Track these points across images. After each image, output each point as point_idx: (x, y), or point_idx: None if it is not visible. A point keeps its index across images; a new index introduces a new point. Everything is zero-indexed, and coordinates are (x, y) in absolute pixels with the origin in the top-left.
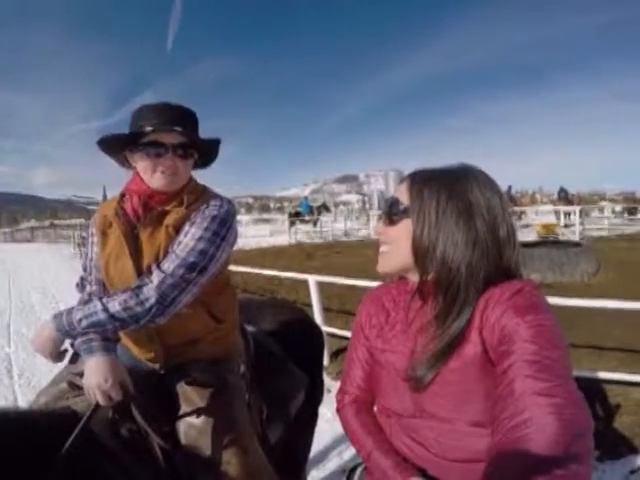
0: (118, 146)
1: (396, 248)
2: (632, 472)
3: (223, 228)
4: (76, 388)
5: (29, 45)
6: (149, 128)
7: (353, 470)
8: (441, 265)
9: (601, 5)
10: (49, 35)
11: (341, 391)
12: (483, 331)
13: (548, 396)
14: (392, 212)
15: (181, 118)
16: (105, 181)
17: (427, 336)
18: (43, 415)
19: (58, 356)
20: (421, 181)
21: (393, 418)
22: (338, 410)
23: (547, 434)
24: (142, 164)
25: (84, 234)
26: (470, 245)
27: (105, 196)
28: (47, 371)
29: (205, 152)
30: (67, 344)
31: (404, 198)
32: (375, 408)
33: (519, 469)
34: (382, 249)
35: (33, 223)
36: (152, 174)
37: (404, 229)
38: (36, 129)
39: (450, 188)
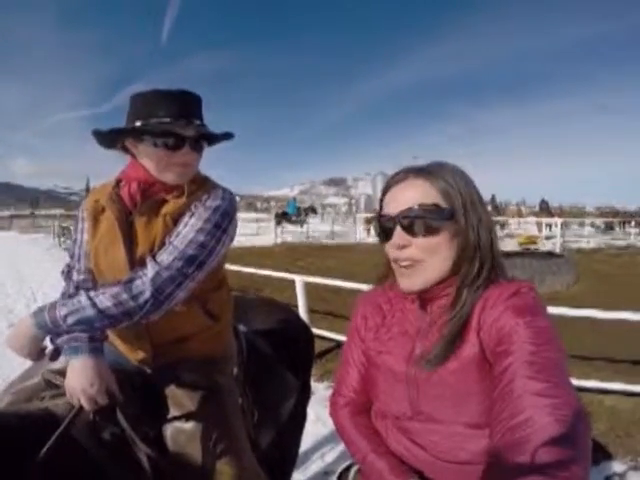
0: (120, 134)
1: (434, 259)
2: (607, 478)
3: (225, 220)
4: (54, 387)
5: (14, 31)
6: (167, 119)
7: (347, 470)
8: (486, 253)
9: (588, 17)
10: (36, 21)
11: (335, 393)
12: (480, 332)
13: (547, 397)
14: (432, 219)
15: (197, 108)
16: (88, 171)
17: (426, 338)
18: (19, 417)
19: (38, 355)
20: (442, 179)
21: (389, 420)
22: (332, 413)
23: (547, 435)
24: (154, 155)
25: (64, 224)
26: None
27: (88, 187)
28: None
29: (211, 143)
30: (47, 340)
31: (439, 201)
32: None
33: (518, 470)
34: (409, 263)
35: (12, 211)
36: (165, 167)
37: (446, 235)
38: (20, 117)
39: (465, 179)
